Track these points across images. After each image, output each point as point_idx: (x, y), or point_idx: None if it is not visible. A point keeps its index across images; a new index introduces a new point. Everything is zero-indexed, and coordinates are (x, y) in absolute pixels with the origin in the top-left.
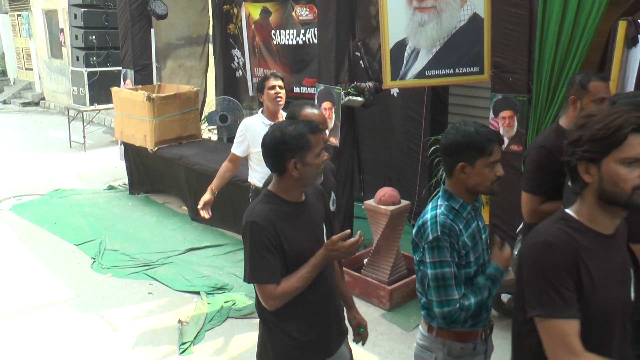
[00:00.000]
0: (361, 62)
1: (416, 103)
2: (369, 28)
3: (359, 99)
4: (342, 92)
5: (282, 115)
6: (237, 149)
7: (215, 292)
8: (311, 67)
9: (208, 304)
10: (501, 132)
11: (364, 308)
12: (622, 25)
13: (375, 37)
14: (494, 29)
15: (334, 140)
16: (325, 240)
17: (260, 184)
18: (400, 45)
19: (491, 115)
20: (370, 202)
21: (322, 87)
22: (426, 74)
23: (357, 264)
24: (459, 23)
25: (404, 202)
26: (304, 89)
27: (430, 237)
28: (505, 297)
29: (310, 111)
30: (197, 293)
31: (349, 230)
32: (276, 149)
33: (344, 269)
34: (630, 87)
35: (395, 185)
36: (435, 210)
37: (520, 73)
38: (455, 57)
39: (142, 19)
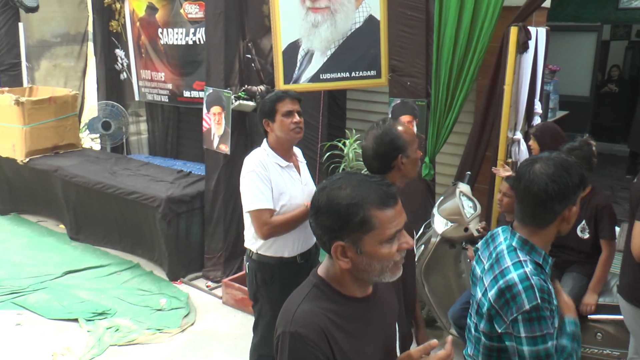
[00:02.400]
0: (253, 64)
1: (312, 108)
2: (261, 28)
3: (251, 103)
4: (232, 96)
5: (297, 151)
6: (266, 201)
7: (96, 317)
8: (202, 69)
9: (88, 331)
10: None
11: None
12: (513, 31)
13: (268, 37)
14: (391, 32)
15: (224, 148)
16: (398, 353)
17: (267, 252)
18: (294, 47)
19: None
20: None
21: (211, 91)
22: (321, 77)
23: None
24: (355, 25)
25: None
26: (195, 94)
27: (528, 307)
28: None
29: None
30: (76, 320)
31: (435, 341)
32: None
33: (240, 286)
34: (524, 91)
35: None
36: (521, 267)
37: (418, 77)
38: (351, 60)
39: (8, 11)
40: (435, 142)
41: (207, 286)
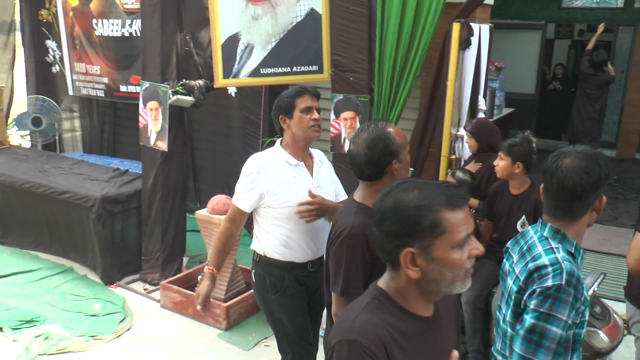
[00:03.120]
0: (191, 57)
1: (253, 104)
2: (201, 20)
3: (189, 98)
4: (170, 91)
5: (316, 153)
6: (243, 202)
7: (23, 326)
8: (140, 63)
9: (14, 341)
10: (343, 134)
11: (198, 330)
12: (456, 27)
13: (207, 30)
14: (333, 27)
15: (162, 145)
16: None
17: (276, 254)
18: (233, 41)
19: (332, 116)
20: (203, 212)
21: (147, 85)
22: (261, 72)
23: (191, 281)
24: (296, 18)
25: None
26: (132, 88)
27: (550, 283)
28: None
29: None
30: (0, 329)
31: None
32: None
33: (179, 288)
34: (467, 88)
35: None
36: (552, 253)
37: (361, 73)
38: (292, 54)
39: None
40: None
41: (145, 289)
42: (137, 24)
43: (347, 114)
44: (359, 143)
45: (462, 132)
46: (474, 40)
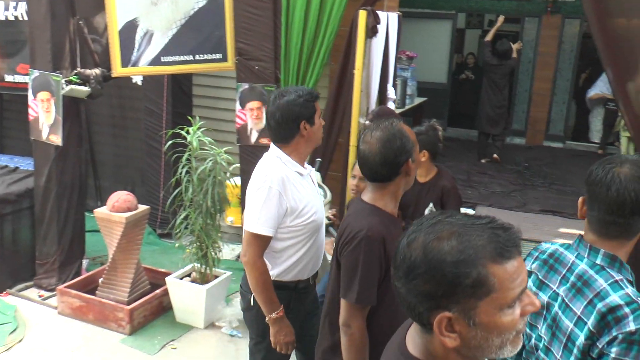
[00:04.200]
0: (86, 44)
1: (156, 94)
2: (95, 4)
3: (84, 88)
4: (63, 81)
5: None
6: (269, 227)
7: None
8: (28, 50)
9: None
10: (249, 125)
11: (99, 336)
12: (362, 15)
13: (103, 15)
14: (237, 13)
15: (55, 139)
16: None
17: (288, 276)
18: (131, 27)
19: (238, 106)
20: (102, 210)
21: (37, 74)
22: (162, 60)
23: (91, 284)
24: (197, 4)
25: (142, 207)
26: (19, 78)
27: (633, 328)
28: None
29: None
30: None
31: None
32: None
33: (78, 292)
34: (376, 76)
35: (139, 189)
36: (620, 288)
37: (267, 61)
38: (194, 42)
39: None
40: None
41: (40, 296)
42: (23, 7)
43: (253, 104)
44: (373, 142)
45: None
46: (382, 28)
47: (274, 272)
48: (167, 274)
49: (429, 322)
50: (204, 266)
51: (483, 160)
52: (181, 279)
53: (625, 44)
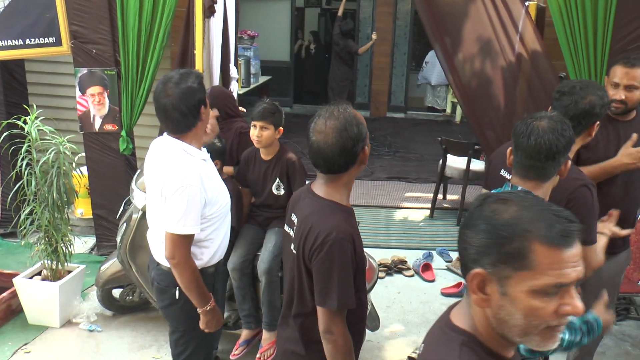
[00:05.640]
0: None
1: None
2: None
3: None
4: None
5: None
6: (195, 225)
7: None
8: None
9: None
10: (92, 111)
11: None
12: None
13: None
14: None
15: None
16: None
17: (214, 260)
18: None
19: (78, 93)
20: None
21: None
22: None
23: None
24: None
25: None
26: None
27: None
28: (117, 292)
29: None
30: None
31: None
32: None
33: None
34: (217, 56)
35: None
36: None
37: (104, 44)
38: (22, 25)
39: None
40: (130, 114)
41: None
42: None
43: (94, 89)
44: (328, 132)
45: None
46: (219, 8)
47: (200, 263)
48: (15, 275)
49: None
50: (55, 262)
51: None
52: (31, 278)
53: (448, 19)
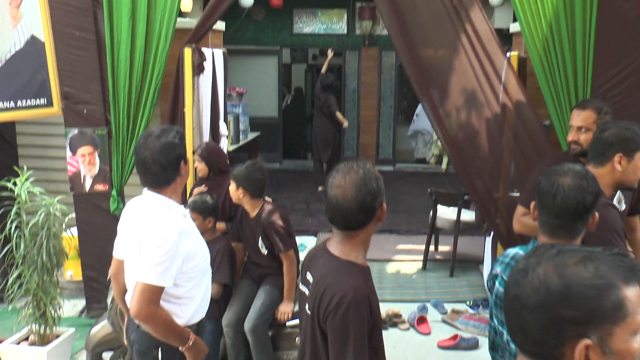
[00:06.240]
0: None
1: None
2: None
3: None
4: None
5: None
6: (170, 278)
7: None
8: None
9: None
10: (82, 171)
11: None
12: (187, 53)
13: None
14: (59, 55)
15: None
16: None
17: (195, 319)
18: None
19: (69, 153)
20: None
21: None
22: None
23: None
24: (14, 46)
25: None
26: None
27: None
28: (107, 356)
29: None
30: None
31: None
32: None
33: None
34: (206, 113)
35: None
36: None
37: (95, 104)
38: (15, 87)
39: None
40: (121, 173)
41: None
42: None
43: (85, 149)
44: (347, 187)
45: None
46: (208, 65)
47: (181, 321)
48: (1, 341)
49: (560, 354)
50: (43, 326)
51: (320, 188)
52: (18, 344)
53: (433, 72)
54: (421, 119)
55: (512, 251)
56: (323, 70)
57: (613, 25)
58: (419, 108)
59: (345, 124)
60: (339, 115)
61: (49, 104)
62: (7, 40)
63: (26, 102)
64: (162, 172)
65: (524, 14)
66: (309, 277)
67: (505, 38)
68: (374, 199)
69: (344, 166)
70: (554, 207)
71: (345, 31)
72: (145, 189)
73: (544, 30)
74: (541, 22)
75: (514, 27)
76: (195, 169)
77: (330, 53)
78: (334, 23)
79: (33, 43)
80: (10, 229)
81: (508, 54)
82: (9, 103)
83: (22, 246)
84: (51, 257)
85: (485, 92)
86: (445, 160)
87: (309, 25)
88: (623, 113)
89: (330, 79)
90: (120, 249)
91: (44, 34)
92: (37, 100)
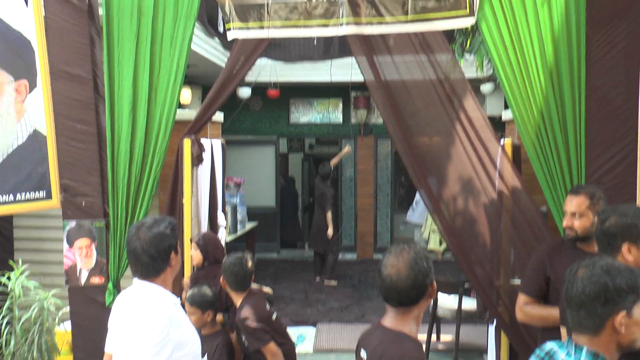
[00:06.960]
0: None
1: None
2: None
3: None
4: None
5: None
6: None
7: None
8: None
9: None
10: (79, 264)
11: None
12: (186, 144)
13: None
14: (60, 148)
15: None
16: None
17: None
18: None
19: (65, 246)
20: None
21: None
22: None
23: None
24: (17, 141)
25: None
26: None
27: None
28: None
29: None
30: None
31: None
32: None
33: None
34: (205, 204)
35: None
36: None
37: (94, 196)
38: (15, 181)
39: None
40: (118, 266)
41: None
42: None
43: (82, 242)
44: (400, 266)
45: None
46: (207, 156)
47: None
48: None
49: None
50: None
51: (318, 278)
52: None
53: (429, 159)
54: (420, 207)
55: (548, 346)
56: (334, 162)
57: (602, 112)
58: (417, 196)
59: (330, 231)
60: (328, 216)
61: (48, 196)
62: (10, 135)
63: (25, 195)
64: (151, 263)
65: (515, 102)
66: (363, 353)
67: (497, 125)
68: (426, 277)
69: (395, 248)
70: (571, 304)
71: (341, 120)
72: (135, 279)
73: (536, 117)
74: (532, 109)
75: (506, 115)
76: (192, 255)
77: (347, 149)
78: (330, 112)
79: (35, 137)
80: (1, 324)
81: (502, 141)
82: (8, 196)
83: (12, 343)
84: (42, 354)
85: (482, 178)
86: (442, 247)
87: (305, 114)
88: (619, 198)
89: (328, 169)
90: (110, 343)
91: (46, 127)
92: (36, 193)
